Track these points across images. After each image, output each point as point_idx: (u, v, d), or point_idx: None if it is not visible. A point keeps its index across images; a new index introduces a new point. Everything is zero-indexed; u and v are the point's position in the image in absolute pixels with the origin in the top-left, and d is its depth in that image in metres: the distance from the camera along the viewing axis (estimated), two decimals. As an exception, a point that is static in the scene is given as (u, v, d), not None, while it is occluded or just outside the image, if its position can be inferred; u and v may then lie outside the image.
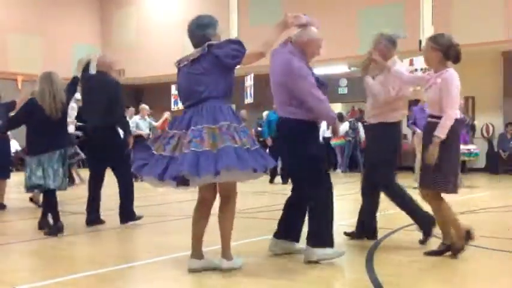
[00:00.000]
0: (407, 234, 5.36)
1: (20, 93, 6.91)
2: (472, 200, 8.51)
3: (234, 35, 16.91)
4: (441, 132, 4.17)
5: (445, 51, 4.29)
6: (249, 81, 15.89)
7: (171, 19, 18.46)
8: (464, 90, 14.01)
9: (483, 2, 13.53)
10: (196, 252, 3.98)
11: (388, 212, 6.60)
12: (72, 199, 8.40)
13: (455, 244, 4.33)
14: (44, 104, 5.64)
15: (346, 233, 5.12)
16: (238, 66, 3.98)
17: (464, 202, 8.15)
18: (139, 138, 11.51)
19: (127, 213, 6.26)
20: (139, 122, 12.88)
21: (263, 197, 9.32)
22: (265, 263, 4.27)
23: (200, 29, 4.01)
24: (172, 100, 15.69)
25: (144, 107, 13.23)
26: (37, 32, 18.52)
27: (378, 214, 5.12)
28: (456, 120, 4.25)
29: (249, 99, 16.07)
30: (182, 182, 3.73)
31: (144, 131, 12.67)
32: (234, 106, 18.25)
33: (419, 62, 12.44)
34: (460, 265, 4.21)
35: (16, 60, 17.83)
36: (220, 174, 3.65)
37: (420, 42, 13.77)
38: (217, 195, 4.04)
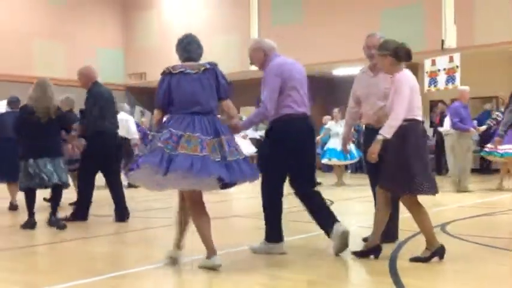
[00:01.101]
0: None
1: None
2: (500, 201, 8.41)
3: (255, 34, 16.92)
4: (387, 132, 4.09)
5: (393, 53, 4.23)
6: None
7: (192, 21, 18.52)
8: (488, 90, 13.85)
9: (506, 1, 13.33)
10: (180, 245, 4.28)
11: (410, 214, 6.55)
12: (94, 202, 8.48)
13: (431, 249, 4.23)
14: (38, 107, 5.93)
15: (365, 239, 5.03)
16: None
17: (493, 203, 8.06)
18: None
19: (126, 211, 6.62)
20: None
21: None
22: (294, 261, 4.28)
23: (201, 48, 4.32)
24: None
25: None
26: (61, 37, 18.75)
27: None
28: (415, 120, 4.20)
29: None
30: (226, 186, 4.03)
31: None
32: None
33: (442, 62, 12.31)
34: (486, 267, 4.15)
35: (40, 64, 18.08)
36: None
37: (443, 42, 13.62)
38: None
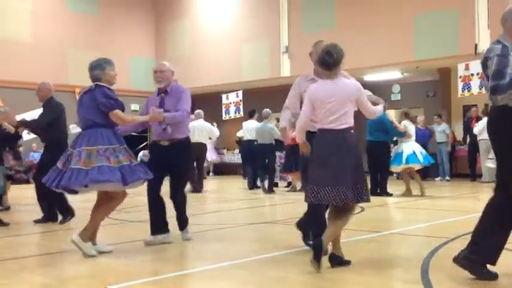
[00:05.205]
0: (465, 243, 5.22)
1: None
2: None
3: (285, 41, 16.92)
4: None
5: None
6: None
7: (223, 30, 18.66)
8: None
9: (542, 3, 13.06)
10: (93, 240, 5.13)
11: (443, 220, 6.47)
12: (131, 207, 8.60)
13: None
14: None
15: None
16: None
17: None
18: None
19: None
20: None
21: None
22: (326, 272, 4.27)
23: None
24: (224, 109, 15.84)
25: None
26: (94, 47, 19.12)
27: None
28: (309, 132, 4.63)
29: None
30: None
31: None
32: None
33: (476, 66, 12.13)
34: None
35: (75, 73, 18.49)
36: None
37: (476, 46, 13.43)
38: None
